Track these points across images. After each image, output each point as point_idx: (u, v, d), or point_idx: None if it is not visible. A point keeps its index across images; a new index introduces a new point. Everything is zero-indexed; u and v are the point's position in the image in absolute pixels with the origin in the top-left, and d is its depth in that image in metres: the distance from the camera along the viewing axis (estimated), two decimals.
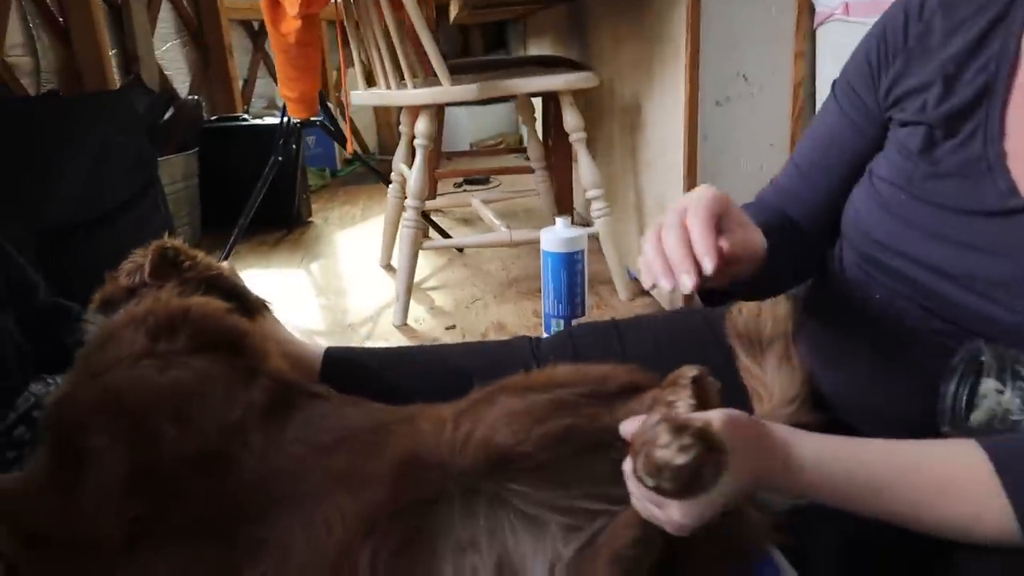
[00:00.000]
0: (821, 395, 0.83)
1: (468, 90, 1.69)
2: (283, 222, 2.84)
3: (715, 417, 0.56)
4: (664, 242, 0.63)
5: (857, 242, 0.77)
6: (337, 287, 2.20)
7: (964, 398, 0.69)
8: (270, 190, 2.71)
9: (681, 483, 0.49)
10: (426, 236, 2.26)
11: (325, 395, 0.86)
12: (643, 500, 0.58)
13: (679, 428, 0.49)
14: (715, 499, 0.54)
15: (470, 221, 2.80)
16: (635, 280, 1.96)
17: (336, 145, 3.59)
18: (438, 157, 2.81)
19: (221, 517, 0.70)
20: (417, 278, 2.22)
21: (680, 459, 0.48)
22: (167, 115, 2.65)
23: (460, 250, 2.39)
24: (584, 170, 1.83)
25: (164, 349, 0.77)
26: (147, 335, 0.78)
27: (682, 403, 0.64)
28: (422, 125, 1.80)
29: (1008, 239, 0.64)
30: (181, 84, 3.29)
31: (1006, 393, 0.67)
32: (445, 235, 2.34)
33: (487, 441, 0.67)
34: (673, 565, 0.68)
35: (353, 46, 1.93)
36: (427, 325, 1.84)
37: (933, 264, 0.68)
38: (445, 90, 1.69)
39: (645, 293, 1.88)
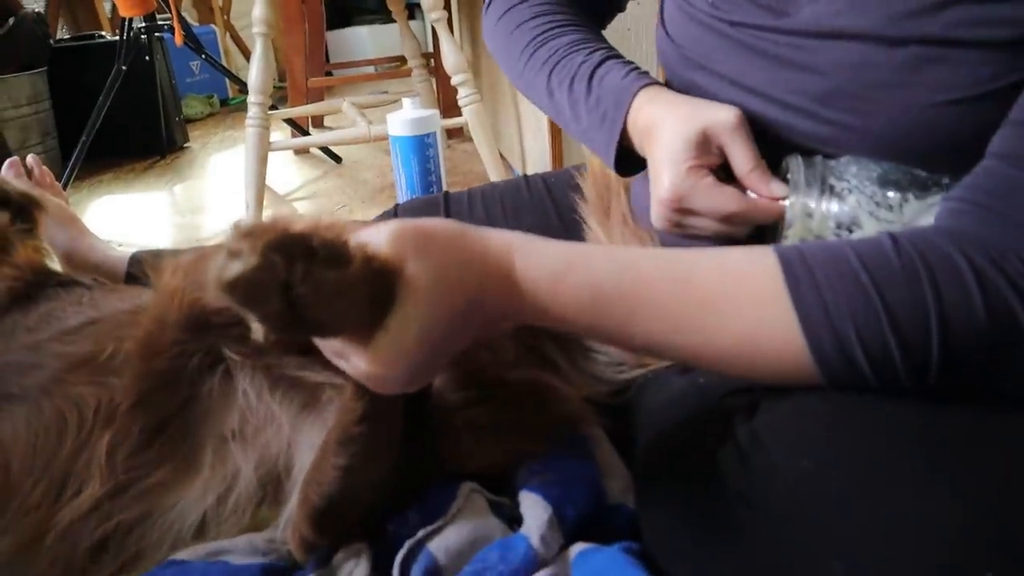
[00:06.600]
0: None
1: None
2: (156, 149, 2.61)
3: (384, 229, 0.42)
4: None
5: (674, 65, 0.64)
6: (197, 206, 2.01)
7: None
8: (138, 116, 2.49)
9: (242, 301, 0.35)
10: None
11: (88, 284, 0.78)
12: (326, 351, 0.45)
13: (246, 234, 0.35)
14: (404, 338, 0.41)
15: None
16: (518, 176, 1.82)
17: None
18: (315, 68, 2.59)
19: None
20: (287, 189, 2.05)
21: (232, 269, 0.33)
22: (3, 30, 2.37)
23: (338, 160, 2.21)
24: (446, 54, 1.66)
25: None
26: None
27: None
28: (258, 10, 1.62)
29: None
30: (37, 4, 2.98)
31: (815, 214, 0.55)
32: (304, 134, 2.14)
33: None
34: (433, 444, 0.56)
35: None
36: None
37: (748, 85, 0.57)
38: None
39: None
